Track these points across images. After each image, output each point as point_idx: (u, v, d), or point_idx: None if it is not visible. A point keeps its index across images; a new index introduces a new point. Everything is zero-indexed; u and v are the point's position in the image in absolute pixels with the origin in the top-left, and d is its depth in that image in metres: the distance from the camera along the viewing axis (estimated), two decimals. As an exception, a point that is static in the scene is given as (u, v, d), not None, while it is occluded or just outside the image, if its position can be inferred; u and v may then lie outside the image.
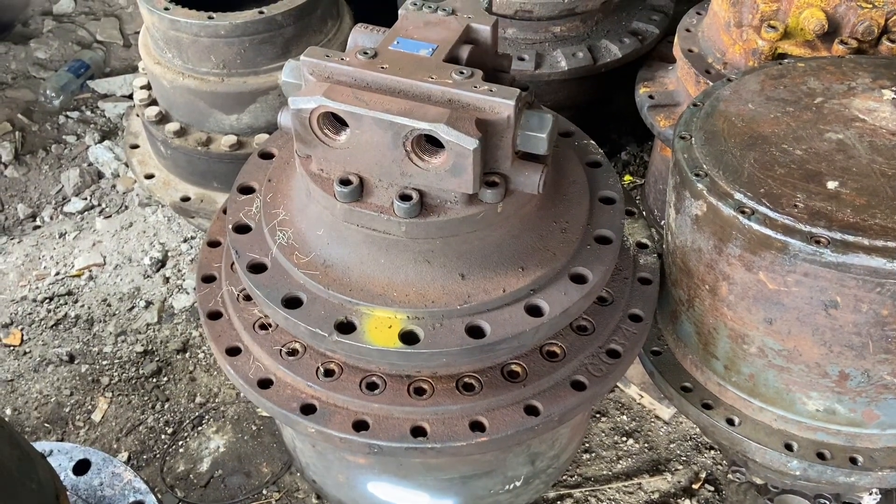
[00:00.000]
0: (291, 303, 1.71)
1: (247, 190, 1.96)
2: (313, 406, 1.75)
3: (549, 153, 1.62)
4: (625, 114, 3.45)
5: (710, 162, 1.81)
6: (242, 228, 1.86)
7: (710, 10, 2.80)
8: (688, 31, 2.91)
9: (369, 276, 1.70)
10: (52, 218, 3.80)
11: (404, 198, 1.60)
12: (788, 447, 1.91)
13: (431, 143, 1.56)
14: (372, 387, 1.74)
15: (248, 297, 1.89)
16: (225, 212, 1.96)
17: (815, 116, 1.90)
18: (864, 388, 1.78)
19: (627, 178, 3.86)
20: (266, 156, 2.04)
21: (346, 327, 1.66)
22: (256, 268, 1.77)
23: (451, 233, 1.66)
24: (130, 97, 3.27)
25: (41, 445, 1.84)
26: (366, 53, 1.63)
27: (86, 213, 3.80)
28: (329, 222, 1.73)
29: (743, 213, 1.67)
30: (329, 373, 1.77)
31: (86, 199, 3.86)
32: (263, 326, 1.84)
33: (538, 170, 1.63)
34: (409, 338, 1.65)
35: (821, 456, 1.89)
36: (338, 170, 1.65)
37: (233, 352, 1.86)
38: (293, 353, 1.80)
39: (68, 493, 1.75)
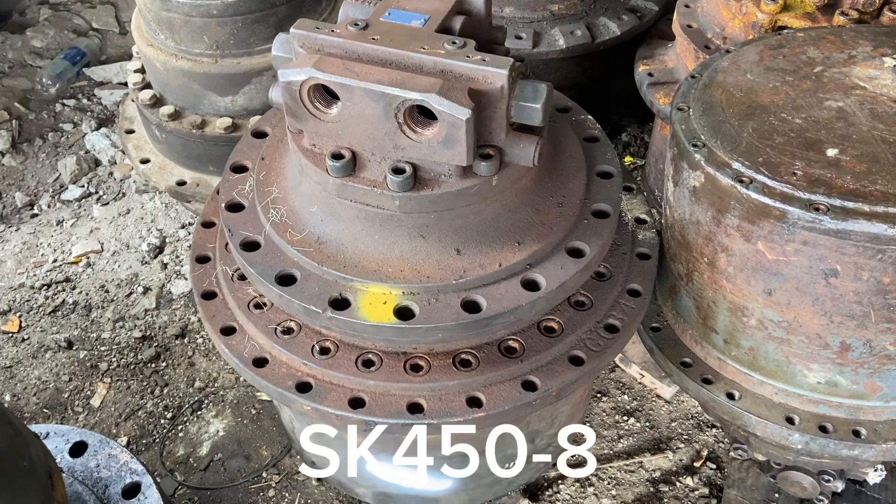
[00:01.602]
0: (285, 280, 1.69)
1: (240, 169, 1.94)
2: (309, 384, 1.73)
3: (544, 125, 1.60)
4: (625, 95, 3.42)
5: (708, 132, 1.78)
6: (235, 207, 1.84)
7: (709, -15, 2.76)
8: (687, 6, 2.87)
9: (363, 253, 1.68)
10: (49, 206, 3.78)
11: (397, 171, 1.58)
12: (790, 420, 1.89)
13: (424, 115, 1.53)
14: (368, 364, 1.73)
15: (242, 277, 1.87)
16: (219, 192, 1.94)
17: (814, 85, 1.86)
18: (866, 359, 1.76)
19: (628, 159, 3.82)
20: (259, 134, 2.02)
21: (340, 304, 1.65)
22: (250, 246, 1.76)
23: (445, 207, 1.63)
24: (126, 84, 3.25)
25: (37, 428, 1.83)
26: (356, 25, 1.60)
27: (83, 200, 3.79)
28: (322, 198, 1.71)
29: (741, 182, 1.64)
30: (324, 351, 1.75)
31: (83, 186, 3.85)
32: (258, 306, 1.83)
33: (533, 142, 1.60)
34: (404, 313, 1.63)
35: (823, 429, 1.87)
36: (330, 144, 1.63)
37: (227, 331, 1.85)
38: (288, 331, 1.79)
39: (64, 475, 1.74)
